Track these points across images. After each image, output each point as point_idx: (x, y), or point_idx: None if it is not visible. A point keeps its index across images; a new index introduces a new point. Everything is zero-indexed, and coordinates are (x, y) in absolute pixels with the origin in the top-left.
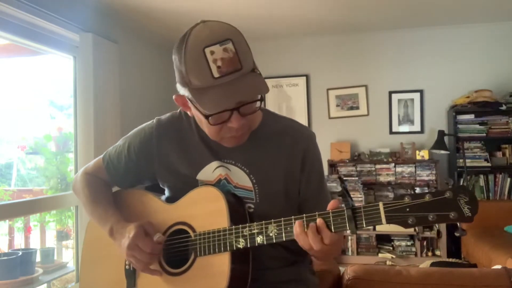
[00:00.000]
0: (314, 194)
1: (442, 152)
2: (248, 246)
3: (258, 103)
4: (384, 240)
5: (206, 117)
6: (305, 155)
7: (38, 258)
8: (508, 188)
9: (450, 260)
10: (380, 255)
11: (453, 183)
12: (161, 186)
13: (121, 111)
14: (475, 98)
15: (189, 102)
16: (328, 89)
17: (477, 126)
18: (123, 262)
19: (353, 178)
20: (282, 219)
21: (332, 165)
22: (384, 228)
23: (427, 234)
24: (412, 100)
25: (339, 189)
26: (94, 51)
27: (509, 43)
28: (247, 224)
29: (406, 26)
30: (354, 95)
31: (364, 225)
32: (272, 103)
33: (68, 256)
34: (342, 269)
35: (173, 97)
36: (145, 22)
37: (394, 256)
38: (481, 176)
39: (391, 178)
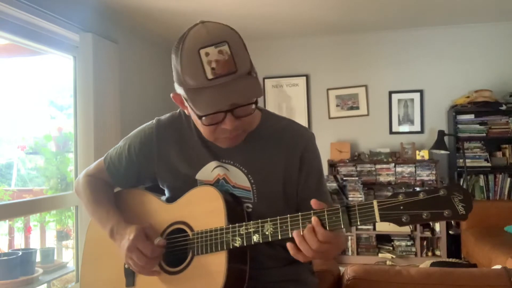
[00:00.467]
0: (313, 195)
1: (442, 152)
2: (245, 244)
3: (253, 106)
4: (384, 240)
5: (200, 117)
6: (303, 155)
7: (38, 258)
8: (508, 188)
9: (450, 260)
10: (380, 255)
11: (447, 182)
12: (161, 186)
13: (121, 111)
14: (475, 98)
15: (185, 101)
16: (328, 89)
17: (477, 126)
18: (123, 261)
19: (353, 178)
20: (278, 217)
21: (332, 165)
22: (384, 228)
23: (427, 234)
24: (412, 100)
25: (341, 187)
26: (94, 51)
27: (509, 43)
28: (244, 223)
29: (406, 26)
30: (354, 95)
31: (359, 223)
32: (272, 103)
33: (68, 256)
34: (342, 269)
35: (171, 95)
36: (145, 22)
37: (394, 256)
38: (481, 176)
39: (391, 178)
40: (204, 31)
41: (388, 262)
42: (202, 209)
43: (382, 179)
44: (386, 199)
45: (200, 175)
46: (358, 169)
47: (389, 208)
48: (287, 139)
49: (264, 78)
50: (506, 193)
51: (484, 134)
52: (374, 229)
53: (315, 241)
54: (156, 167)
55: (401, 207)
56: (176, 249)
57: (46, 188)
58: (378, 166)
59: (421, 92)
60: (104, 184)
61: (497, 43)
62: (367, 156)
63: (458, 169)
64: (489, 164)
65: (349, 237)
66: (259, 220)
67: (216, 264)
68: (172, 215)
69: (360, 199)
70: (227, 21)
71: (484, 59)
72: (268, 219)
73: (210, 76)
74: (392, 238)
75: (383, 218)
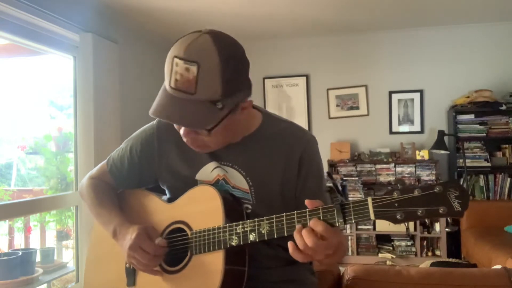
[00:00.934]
0: (311, 198)
1: (442, 152)
2: (241, 243)
3: (202, 131)
4: (384, 240)
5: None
6: (302, 159)
7: (38, 258)
8: (508, 188)
9: (450, 260)
10: (380, 255)
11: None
12: (161, 186)
13: (121, 111)
14: (475, 98)
15: None
16: (328, 89)
17: (477, 126)
18: (124, 260)
19: (353, 178)
20: (274, 216)
21: (332, 165)
22: (384, 228)
23: (426, 233)
24: (412, 100)
25: (336, 185)
26: (94, 51)
27: (509, 43)
28: (241, 222)
29: (406, 26)
30: (354, 95)
31: (353, 220)
32: (272, 103)
33: (68, 256)
34: (342, 269)
35: None
36: (145, 22)
37: (394, 256)
38: (481, 176)
39: (391, 178)
40: (188, 42)
41: (388, 262)
42: (201, 209)
43: (382, 179)
44: (381, 196)
45: (199, 176)
46: (358, 169)
47: (384, 205)
48: (286, 142)
49: (264, 78)
50: (506, 193)
51: (484, 134)
52: (374, 229)
53: (312, 235)
54: (157, 167)
55: (396, 204)
56: (175, 249)
57: (46, 188)
58: (378, 166)
59: (421, 92)
60: (107, 186)
61: (497, 43)
62: (367, 156)
63: (458, 169)
64: (489, 164)
65: (349, 237)
66: (256, 219)
67: (213, 264)
68: (172, 214)
69: None
70: (227, 21)
71: (484, 59)
72: (265, 217)
73: (172, 84)
74: (392, 238)
75: (378, 216)
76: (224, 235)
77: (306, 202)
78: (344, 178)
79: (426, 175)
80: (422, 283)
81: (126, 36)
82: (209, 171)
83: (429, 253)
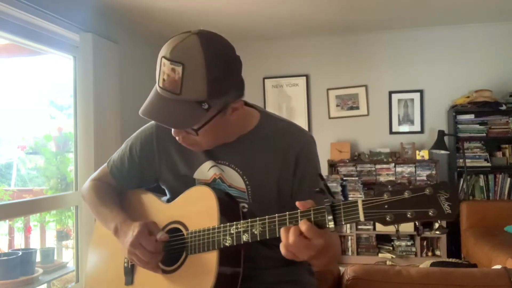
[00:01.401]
0: (306, 199)
1: (442, 152)
2: (235, 244)
3: (189, 130)
4: (384, 240)
5: None
6: (298, 159)
7: (38, 258)
8: (508, 188)
9: (450, 260)
10: (380, 255)
11: (436, 180)
12: (162, 186)
13: (121, 111)
14: (475, 98)
15: None
16: (328, 89)
17: (477, 126)
18: (123, 259)
19: (353, 178)
20: (267, 217)
21: (332, 165)
22: (385, 228)
23: (427, 234)
24: (412, 100)
25: (339, 188)
26: (94, 51)
27: (509, 43)
28: (235, 223)
29: (406, 26)
30: (354, 95)
31: (343, 222)
32: (272, 103)
33: (68, 256)
34: (342, 269)
35: None
36: (145, 22)
37: (394, 256)
38: (481, 176)
39: (391, 178)
40: (176, 42)
41: (388, 262)
42: (197, 209)
43: (382, 179)
44: (371, 198)
45: (197, 175)
46: (358, 169)
47: (373, 207)
48: (284, 142)
49: (264, 78)
50: (506, 193)
51: (484, 134)
52: (374, 229)
53: (295, 234)
54: (157, 166)
55: (386, 206)
56: (172, 248)
57: (46, 188)
58: (378, 166)
59: (421, 92)
60: (108, 187)
61: (497, 43)
62: (367, 156)
63: (458, 169)
64: (489, 164)
65: (349, 237)
66: (249, 220)
67: (207, 264)
68: (170, 214)
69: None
70: (227, 21)
71: (484, 59)
72: (258, 218)
73: (160, 84)
74: (392, 238)
75: (367, 217)
76: (218, 235)
77: (297, 203)
78: (344, 178)
79: (426, 175)
80: (422, 283)
81: (126, 36)
82: (206, 170)
83: (429, 253)
